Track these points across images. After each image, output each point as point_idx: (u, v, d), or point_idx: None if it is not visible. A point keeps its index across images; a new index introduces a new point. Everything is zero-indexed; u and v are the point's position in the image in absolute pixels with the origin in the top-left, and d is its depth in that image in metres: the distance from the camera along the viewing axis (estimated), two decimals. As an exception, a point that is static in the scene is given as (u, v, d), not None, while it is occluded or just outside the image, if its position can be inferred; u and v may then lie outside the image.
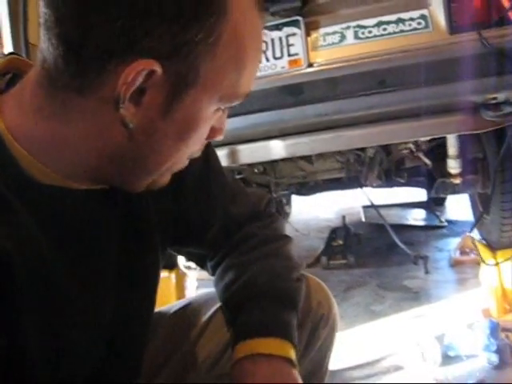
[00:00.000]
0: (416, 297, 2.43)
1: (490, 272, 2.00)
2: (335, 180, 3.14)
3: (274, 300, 0.69)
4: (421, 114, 1.27)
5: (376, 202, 3.43)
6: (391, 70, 1.25)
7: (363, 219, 4.23)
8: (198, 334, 0.78)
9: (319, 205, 5.54)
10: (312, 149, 1.34)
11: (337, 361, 1.80)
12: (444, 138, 2.02)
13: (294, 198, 5.30)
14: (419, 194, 4.36)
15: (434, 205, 4.66)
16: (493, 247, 2.17)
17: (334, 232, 3.77)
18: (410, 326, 2.06)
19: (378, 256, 3.30)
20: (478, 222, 1.51)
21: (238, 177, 2.82)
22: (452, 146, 2.00)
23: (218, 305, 0.78)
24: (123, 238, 0.63)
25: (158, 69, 0.48)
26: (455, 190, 2.21)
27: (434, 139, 2.21)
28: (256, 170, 2.34)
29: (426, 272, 2.77)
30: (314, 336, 0.78)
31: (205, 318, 0.79)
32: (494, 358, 1.63)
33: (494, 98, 1.26)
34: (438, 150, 2.23)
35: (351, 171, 2.67)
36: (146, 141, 0.53)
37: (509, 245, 2.03)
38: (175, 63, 0.49)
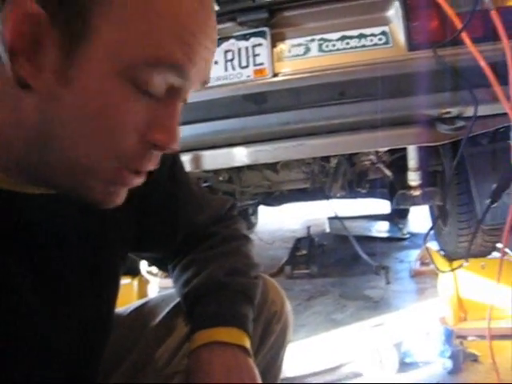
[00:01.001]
0: (376, 306, 2.48)
1: (447, 282, 2.06)
2: (301, 191, 3.18)
3: (232, 294, 0.71)
4: (379, 126, 1.32)
5: (342, 214, 3.50)
6: (351, 82, 1.29)
7: (328, 230, 4.30)
8: (154, 333, 0.78)
9: (285, 216, 5.59)
10: (274, 156, 1.37)
11: (297, 368, 1.82)
12: (405, 150, 2.09)
13: (261, 209, 5.35)
14: (383, 207, 4.46)
15: (397, 217, 4.78)
16: (450, 258, 2.25)
17: (299, 242, 3.81)
18: (369, 334, 2.10)
19: (341, 266, 3.35)
20: (429, 233, 1.56)
21: (204, 185, 2.84)
22: (412, 159, 2.07)
23: (173, 304, 0.79)
24: (82, 244, 0.60)
25: (39, 11, 0.41)
26: (415, 201, 2.27)
27: (395, 152, 2.28)
28: (221, 178, 2.35)
29: (387, 282, 2.83)
30: (268, 331, 0.80)
31: (160, 317, 0.79)
32: (448, 364, 1.68)
33: (448, 113, 1.32)
34: (399, 162, 2.30)
35: (316, 182, 2.72)
36: (54, 117, 0.46)
37: (464, 255, 2.10)
38: (64, 12, 0.42)
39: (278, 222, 5.46)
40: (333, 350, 1.96)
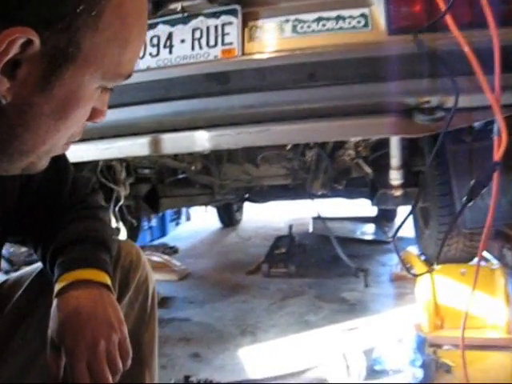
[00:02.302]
0: (352, 309, 2.39)
1: (424, 287, 1.97)
2: (284, 188, 3.09)
3: (92, 244, 0.79)
4: (352, 114, 1.22)
5: (328, 215, 3.42)
6: (323, 63, 1.18)
7: (311, 230, 4.21)
8: (15, 309, 0.83)
9: (270, 214, 5.51)
10: (237, 142, 1.26)
11: (262, 369, 1.73)
12: (387, 148, 2.00)
13: (246, 206, 5.27)
14: (370, 209, 4.38)
15: (384, 220, 4.70)
16: (430, 262, 2.16)
17: (279, 240, 3.73)
18: (341, 338, 2.01)
19: (321, 267, 3.26)
20: (397, 233, 1.46)
21: (181, 176, 2.74)
22: (394, 157, 1.98)
23: (31, 278, 0.85)
24: None
25: (35, 39, 0.46)
26: (396, 201, 2.18)
27: (377, 149, 2.19)
28: (193, 168, 2.24)
29: (366, 285, 2.74)
30: (128, 278, 0.89)
31: (19, 293, 0.84)
32: (419, 374, 1.59)
33: (427, 102, 1.22)
34: (381, 160, 2.20)
35: (297, 178, 2.63)
36: (21, 118, 0.52)
37: (444, 260, 2.01)
38: (54, 34, 0.47)
39: (262, 220, 5.37)
40: (301, 353, 1.86)
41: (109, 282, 0.75)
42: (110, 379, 0.67)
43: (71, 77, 0.51)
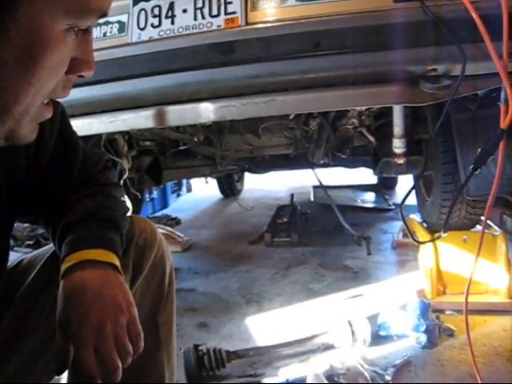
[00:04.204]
0: (355, 277, 2.43)
1: (427, 254, 1.99)
2: (285, 158, 3.09)
3: (100, 222, 0.75)
4: (357, 82, 1.21)
5: (328, 184, 3.42)
6: (328, 32, 1.17)
7: (312, 199, 4.22)
8: (30, 289, 0.81)
9: (271, 184, 5.52)
10: (242, 113, 1.25)
11: (267, 337, 1.76)
12: (390, 116, 1.98)
13: (247, 176, 5.27)
14: (371, 177, 4.39)
15: (384, 188, 4.72)
16: (432, 230, 2.17)
17: (281, 210, 3.74)
18: (345, 305, 2.05)
19: (323, 235, 3.29)
20: (404, 200, 1.46)
21: (182, 148, 2.73)
22: (397, 126, 1.96)
23: (46, 257, 0.84)
24: None
25: None
26: (399, 170, 2.18)
27: (380, 117, 2.17)
28: (196, 140, 2.23)
29: (368, 253, 2.77)
30: (143, 256, 0.86)
31: (34, 272, 0.83)
32: (423, 338, 1.63)
33: (434, 70, 1.20)
34: (383, 129, 2.20)
35: (299, 148, 2.62)
36: None
37: (446, 227, 2.02)
38: None
39: (263, 190, 5.38)
40: (306, 321, 1.90)
41: (116, 261, 0.72)
42: (119, 363, 0.63)
43: (26, 16, 0.46)
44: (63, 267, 0.70)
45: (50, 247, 0.85)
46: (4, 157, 0.69)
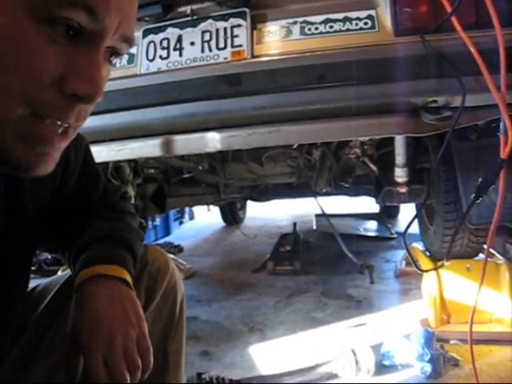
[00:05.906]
0: (358, 306, 2.42)
1: (431, 283, 1.99)
2: (288, 186, 3.11)
3: (113, 242, 0.77)
4: (360, 113, 1.24)
5: (330, 212, 3.44)
6: (332, 65, 1.21)
7: (315, 227, 4.23)
8: (43, 316, 0.83)
9: (273, 212, 5.53)
10: (249, 143, 1.28)
11: (273, 366, 1.75)
12: (392, 146, 2.02)
13: (249, 204, 5.29)
14: (373, 206, 4.40)
15: (386, 217, 4.72)
16: (435, 258, 2.18)
17: (284, 238, 3.74)
18: (348, 334, 2.04)
19: (326, 264, 3.28)
20: (407, 230, 1.48)
21: (186, 175, 2.76)
22: (399, 155, 2.00)
23: (61, 283, 0.86)
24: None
25: None
26: (401, 199, 2.20)
27: (382, 147, 2.20)
28: (201, 168, 2.27)
29: (371, 282, 2.76)
30: (155, 284, 0.87)
31: (47, 299, 0.85)
32: (428, 368, 1.61)
33: (435, 101, 1.24)
34: (385, 158, 2.22)
35: (301, 176, 2.65)
36: None
37: (449, 255, 2.03)
38: None
39: (265, 218, 5.39)
40: (310, 350, 1.89)
41: (128, 277, 0.73)
42: (128, 376, 0.64)
43: None
44: (76, 281, 0.71)
45: (64, 274, 0.87)
46: (33, 185, 0.72)
